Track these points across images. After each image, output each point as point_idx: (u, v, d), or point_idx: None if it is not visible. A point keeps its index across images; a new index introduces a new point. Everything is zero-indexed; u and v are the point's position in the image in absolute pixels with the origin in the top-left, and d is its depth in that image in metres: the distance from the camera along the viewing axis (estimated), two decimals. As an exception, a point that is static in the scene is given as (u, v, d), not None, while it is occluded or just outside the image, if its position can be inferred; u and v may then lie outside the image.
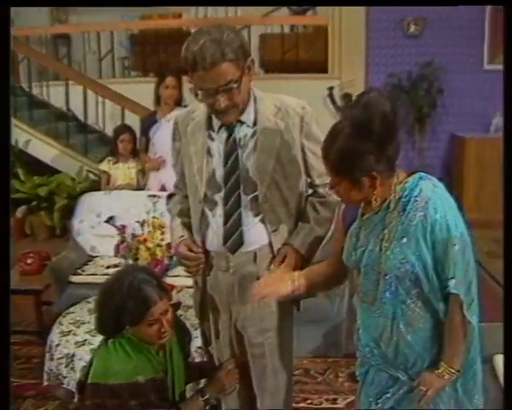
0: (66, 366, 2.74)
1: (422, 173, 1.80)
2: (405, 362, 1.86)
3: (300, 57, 6.70)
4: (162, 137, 4.23)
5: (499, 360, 2.47)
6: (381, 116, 1.68)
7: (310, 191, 2.19)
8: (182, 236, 2.13)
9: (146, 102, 5.49)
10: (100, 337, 2.75)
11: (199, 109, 2.12)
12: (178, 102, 4.30)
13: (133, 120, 5.47)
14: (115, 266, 3.84)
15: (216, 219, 2.08)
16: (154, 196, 3.58)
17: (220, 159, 2.06)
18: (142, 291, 2.00)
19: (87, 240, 4.08)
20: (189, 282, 3.19)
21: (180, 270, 3.46)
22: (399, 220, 1.76)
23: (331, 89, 6.45)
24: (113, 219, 3.13)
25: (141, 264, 2.99)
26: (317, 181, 2.16)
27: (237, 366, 2.21)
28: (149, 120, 4.40)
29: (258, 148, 2.04)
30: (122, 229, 3.01)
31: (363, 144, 1.69)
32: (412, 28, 6.54)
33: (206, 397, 2.16)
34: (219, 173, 2.06)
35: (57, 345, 2.79)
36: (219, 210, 2.07)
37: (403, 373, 1.88)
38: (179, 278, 3.20)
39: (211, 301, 2.18)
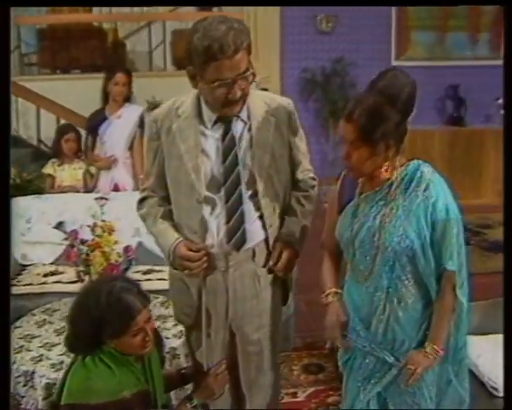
0: (24, 385, 2.56)
1: (420, 160, 1.91)
2: (393, 342, 1.94)
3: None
4: (114, 135, 4.16)
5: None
6: (409, 87, 1.84)
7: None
8: (178, 238, 2.07)
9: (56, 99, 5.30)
10: (56, 350, 2.65)
11: (184, 105, 2.07)
12: (127, 99, 4.21)
13: (49, 119, 5.26)
14: (52, 273, 3.69)
15: (218, 218, 2.04)
16: (102, 198, 3.45)
17: (218, 156, 2.03)
18: (124, 301, 1.91)
19: (17, 248, 3.85)
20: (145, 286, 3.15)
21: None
22: (402, 199, 1.87)
23: (248, 84, 6.50)
24: (62, 225, 2.96)
25: (95, 270, 2.87)
26: (300, 176, 2.20)
27: (227, 368, 2.19)
28: (98, 118, 4.24)
29: (254, 143, 2.05)
30: (73, 235, 2.86)
31: (389, 110, 1.81)
32: (324, 25, 6.72)
33: (194, 404, 2.12)
34: (218, 171, 2.03)
35: (12, 363, 2.61)
36: (219, 209, 2.04)
37: (389, 355, 1.95)
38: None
39: (205, 303, 2.13)
